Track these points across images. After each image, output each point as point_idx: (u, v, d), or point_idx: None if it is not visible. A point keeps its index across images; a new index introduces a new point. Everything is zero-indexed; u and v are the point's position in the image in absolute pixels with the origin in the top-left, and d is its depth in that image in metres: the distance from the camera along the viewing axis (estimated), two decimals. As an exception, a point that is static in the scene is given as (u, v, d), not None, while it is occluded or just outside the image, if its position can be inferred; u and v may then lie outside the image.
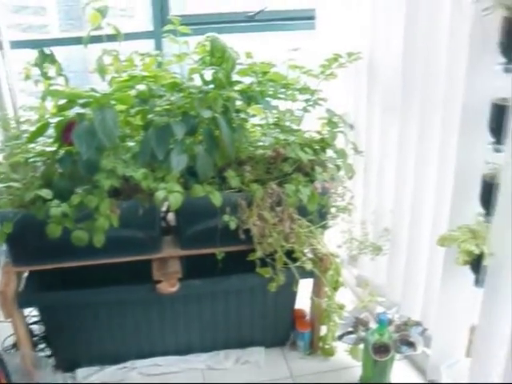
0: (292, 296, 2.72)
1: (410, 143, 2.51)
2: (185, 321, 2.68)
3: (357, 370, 2.61)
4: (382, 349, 2.42)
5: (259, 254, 2.42)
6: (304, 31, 3.25)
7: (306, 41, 3.08)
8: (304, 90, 2.63)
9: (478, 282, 2.22)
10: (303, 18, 3.25)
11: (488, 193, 2.09)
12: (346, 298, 2.79)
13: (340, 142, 2.68)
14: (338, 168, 2.58)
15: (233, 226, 2.37)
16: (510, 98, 1.92)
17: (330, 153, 2.61)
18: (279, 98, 2.60)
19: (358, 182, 2.91)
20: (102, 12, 2.39)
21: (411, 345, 2.44)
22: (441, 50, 2.24)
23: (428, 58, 2.32)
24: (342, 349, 2.70)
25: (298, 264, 2.44)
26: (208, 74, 2.48)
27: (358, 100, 2.92)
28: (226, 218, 2.37)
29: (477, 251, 2.09)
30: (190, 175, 2.37)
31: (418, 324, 2.49)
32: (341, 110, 2.74)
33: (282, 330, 2.83)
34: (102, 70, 2.47)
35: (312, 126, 2.70)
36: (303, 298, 2.77)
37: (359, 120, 2.89)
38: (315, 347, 2.80)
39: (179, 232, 2.54)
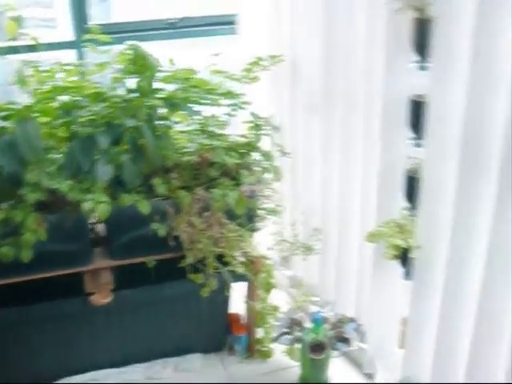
0: (225, 300, 2.73)
1: (335, 142, 2.56)
2: (120, 332, 2.65)
3: (295, 370, 2.63)
4: (318, 347, 2.45)
5: (190, 260, 2.41)
6: (227, 36, 3.26)
7: (229, 46, 3.09)
8: (228, 94, 2.63)
9: (407, 275, 2.27)
10: (225, 24, 3.26)
11: (412, 187, 2.15)
12: (280, 299, 2.81)
13: (266, 145, 2.70)
14: (265, 170, 2.59)
15: (162, 233, 2.36)
16: (426, 94, 1.98)
17: (256, 156, 2.62)
18: (203, 104, 2.60)
19: (286, 184, 2.93)
20: (18, 22, 2.35)
21: (347, 341, 2.49)
22: (359, 51, 2.29)
23: (347, 58, 2.37)
24: (279, 350, 2.71)
25: (229, 268, 2.44)
26: (131, 83, 2.46)
27: (282, 102, 2.95)
28: (155, 225, 2.35)
29: (404, 245, 2.14)
30: (118, 185, 2.34)
31: (352, 320, 2.53)
32: (266, 113, 2.76)
33: (219, 335, 2.83)
34: (22, 82, 2.42)
35: (238, 130, 2.70)
36: (238, 301, 2.78)
37: (285, 122, 2.92)
38: (252, 350, 2.80)
39: (109, 242, 2.51)
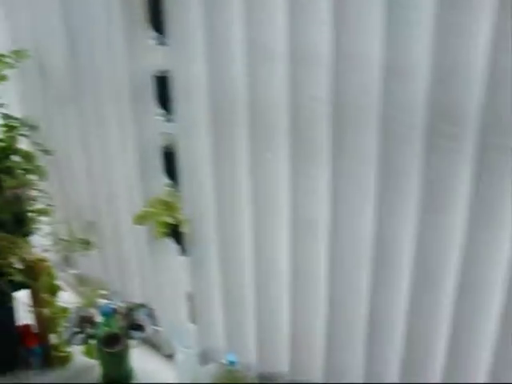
0: (10, 313, 2.59)
1: (90, 132, 2.52)
2: None
3: (97, 368, 2.56)
4: (112, 340, 2.42)
5: (-38, 277, 2.29)
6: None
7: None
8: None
9: (183, 251, 2.30)
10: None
11: (171, 163, 2.17)
12: (70, 300, 2.73)
13: (26, 146, 2.60)
14: (28, 172, 2.50)
15: None
16: (168, 69, 2.00)
17: (16, 158, 2.52)
18: None
19: (54, 182, 2.83)
20: None
21: (140, 328, 2.47)
22: (100, 32, 2.24)
23: (89, 41, 2.31)
24: (78, 352, 2.64)
25: (7, 278, 2.33)
26: None
27: (36, 99, 2.82)
28: None
29: (173, 222, 2.17)
30: None
31: (142, 306, 2.52)
32: (21, 113, 2.65)
33: (10, 351, 2.68)
34: None
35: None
36: (26, 311, 2.64)
37: (43, 120, 2.81)
38: (50, 359, 2.70)
39: None
